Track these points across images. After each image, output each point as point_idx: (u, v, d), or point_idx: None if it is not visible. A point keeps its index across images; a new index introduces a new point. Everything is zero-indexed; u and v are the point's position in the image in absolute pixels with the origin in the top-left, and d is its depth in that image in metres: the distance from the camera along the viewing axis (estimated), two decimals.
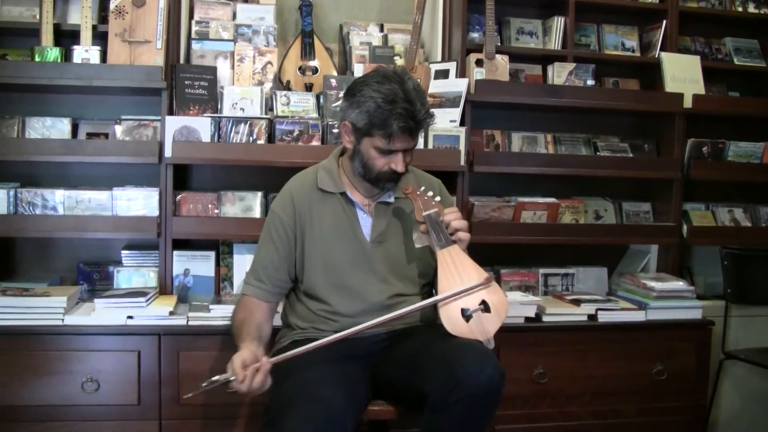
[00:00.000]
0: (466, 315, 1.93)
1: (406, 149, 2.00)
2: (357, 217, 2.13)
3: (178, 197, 2.69)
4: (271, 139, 2.73)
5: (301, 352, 1.87)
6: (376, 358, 2.04)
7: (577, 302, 2.78)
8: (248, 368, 1.78)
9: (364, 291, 2.06)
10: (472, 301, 1.95)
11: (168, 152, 2.61)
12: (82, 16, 2.70)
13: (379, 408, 2.00)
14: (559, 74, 3.13)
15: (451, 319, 1.93)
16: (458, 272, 1.98)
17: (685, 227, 3.09)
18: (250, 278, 2.14)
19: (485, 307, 1.94)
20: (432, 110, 2.04)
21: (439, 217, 2.02)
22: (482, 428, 1.85)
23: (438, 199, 2.07)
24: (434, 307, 1.97)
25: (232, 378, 1.77)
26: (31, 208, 2.62)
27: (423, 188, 2.09)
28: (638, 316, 2.76)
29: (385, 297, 2.06)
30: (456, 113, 2.86)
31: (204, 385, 1.78)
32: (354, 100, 1.99)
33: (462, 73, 2.94)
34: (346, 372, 1.91)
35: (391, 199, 2.15)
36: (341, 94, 2.24)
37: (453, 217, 2.01)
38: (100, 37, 2.73)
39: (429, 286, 2.20)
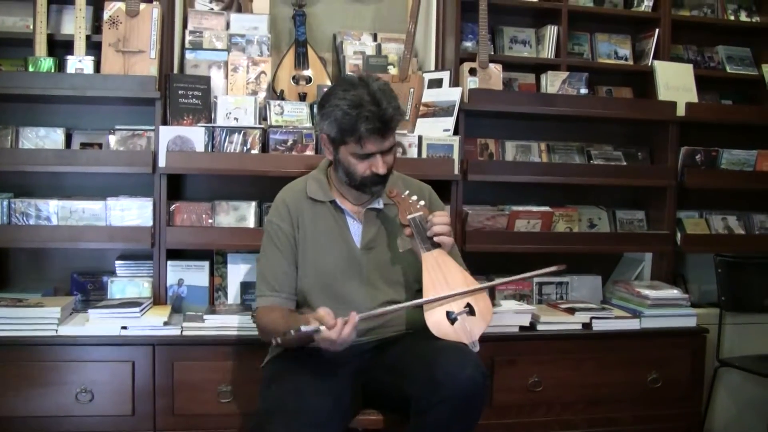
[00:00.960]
0: (451, 318, 1.94)
1: (381, 151, 2.01)
2: (347, 224, 2.14)
3: (172, 207, 2.69)
4: (265, 148, 2.73)
5: (388, 311, 1.95)
6: (365, 367, 2.05)
7: (571, 311, 2.78)
8: (339, 318, 1.80)
9: (353, 298, 2.07)
10: (457, 304, 1.96)
11: (162, 162, 2.61)
12: (75, 26, 2.69)
13: (367, 417, 2.00)
14: (553, 83, 3.14)
15: (436, 321, 1.94)
16: (444, 275, 1.99)
17: (679, 235, 3.10)
18: (264, 290, 2.11)
19: (470, 310, 1.96)
20: (401, 108, 2.04)
21: (424, 220, 2.03)
22: (470, 429, 1.86)
23: (422, 203, 2.08)
24: (423, 314, 1.98)
25: (322, 327, 1.78)
26: (24, 218, 2.62)
27: (407, 192, 2.10)
28: (633, 324, 2.76)
29: (375, 304, 2.05)
30: (450, 122, 2.86)
31: (292, 332, 1.77)
32: (324, 112, 2.02)
33: (455, 82, 2.95)
34: (334, 380, 1.92)
35: (380, 206, 2.16)
36: None
37: (438, 221, 2.02)
38: (94, 47, 2.73)
39: (421, 292, 2.20)
